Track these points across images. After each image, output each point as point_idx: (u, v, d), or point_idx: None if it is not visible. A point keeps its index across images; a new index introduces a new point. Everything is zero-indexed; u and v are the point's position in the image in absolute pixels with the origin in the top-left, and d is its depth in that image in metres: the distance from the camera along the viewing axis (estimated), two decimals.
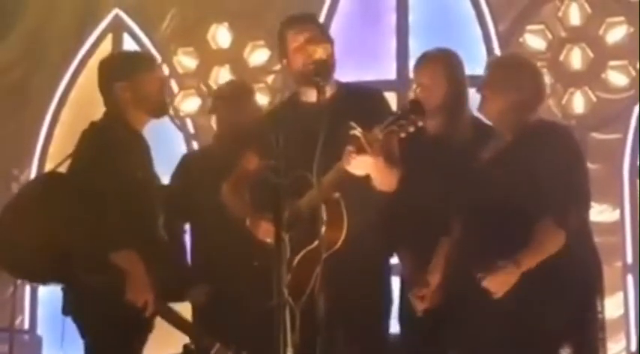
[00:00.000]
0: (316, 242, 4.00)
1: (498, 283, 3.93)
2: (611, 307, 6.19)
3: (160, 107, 4.70)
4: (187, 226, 5.33)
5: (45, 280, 4.92)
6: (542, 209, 3.97)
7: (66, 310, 4.55)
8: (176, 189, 5.16)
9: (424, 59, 4.68)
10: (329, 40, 4.48)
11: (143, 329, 4.53)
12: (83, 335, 4.51)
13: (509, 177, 4.05)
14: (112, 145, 4.47)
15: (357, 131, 4.05)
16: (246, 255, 4.71)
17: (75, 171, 4.55)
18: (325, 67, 4.35)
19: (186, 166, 5.36)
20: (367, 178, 4.22)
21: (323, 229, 4.06)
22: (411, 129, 4.01)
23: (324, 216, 4.09)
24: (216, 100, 5.49)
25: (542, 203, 3.98)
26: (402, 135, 4.07)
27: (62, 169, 4.77)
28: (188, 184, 5.20)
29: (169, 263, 4.68)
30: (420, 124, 4.01)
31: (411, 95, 4.86)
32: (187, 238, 5.35)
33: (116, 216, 4.35)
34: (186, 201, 5.13)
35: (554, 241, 3.95)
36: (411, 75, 7.00)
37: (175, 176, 5.34)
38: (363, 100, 4.42)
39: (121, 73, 4.61)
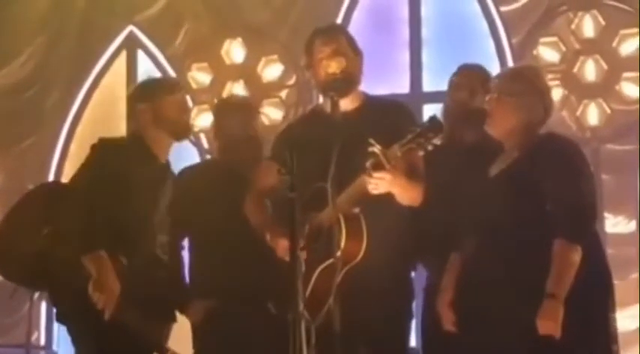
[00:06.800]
0: (338, 254, 4.01)
1: (550, 324, 3.90)
2: (627, 319, 6.17)
3: (182, 129, 4.75)
4: (185, 243, 5.22)
5: (33, 286, 5.00)
6: (550, 226, 3.97)
7: (59, 319, 4.63)
8: (177, 203, 5.12)
9: (464, 69, 4.80)
10: (354, 53, 4.47)
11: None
12: (73, 341, 4.58)
13: (515, 193, 4.05)
14: (117, 161, 4.53)
15: (376, 148, 4.05)
16: (251, 268, 4.73)
17: (73, 181, 4.63)
18: (337, 82, 4.36)
19: (186, 180, 5.23)
20: (388, 193, 4.21)
21: (342, 243, 4.07)
22: (429, 147, 4.00)
23: (344, 230, 4.10)
24: (226, 109, 5.41)
25: (550, 220, 3.98)
26: (421, 153, 4.07)
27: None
28: (190, 199, 5.09)
29: (166, 281, 4.70)
30: (439, 142, 3.99)
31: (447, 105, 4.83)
32: (185, 254, 5.23)
33: (94, 222, 4.38)
34: (188, 215, 5.08)
35: (573, 258, 3.94)
36: (426, 88, 7.26)
37: (179, 190, 5.11)
38: (387, 114, 4.42)
39: (143, 95, 4.74)
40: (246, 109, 5.36)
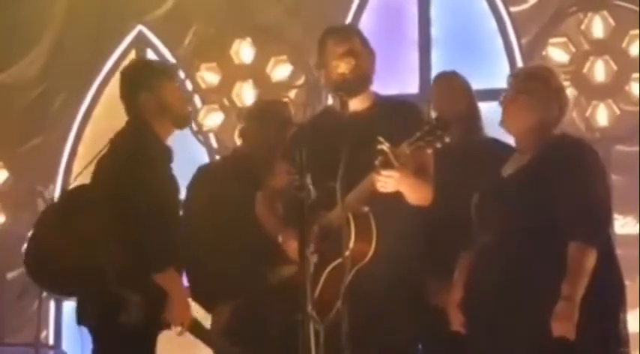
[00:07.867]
0: (346, 254, 4.01)
1: (566, 326, 3.89)
2: (631, 321, 6.10)
3: (184, 117, 4.66)
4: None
5: (74, 294, 4.91)
6: (563, 228, 3.96)
7: (81, 320, 4.56)
8: (199, 202, 5.10)
9: (443, 76, 5.02)
10: (366, 53, 4.47)
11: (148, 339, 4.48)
12: (94, 340, 4.50)
13: (529, 194, 4.05)
14: (141, 153, 4.40)
15: (385, 146, 4.06)
16: (270, 267, 4.73)
17: (106, 181, 4.43)
18: (346, 83, 4.36)
19: (206, 177, 5.25)
20: (398, 192, 4.22)
21: (351, 243, 4.07)
22: (438, 145, 4.03)
23: (353, 230, 4.10)
24: (265, 114, 5.37)
25: (563, 222, 3.98)
26: (429, 151, 4.08)
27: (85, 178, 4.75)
28: (211, 197, 5.10)
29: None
30: (447, 140, 4.02)
31: (433, 112, 4.91)
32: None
33: (154, 233, 4.24)
34: (211, 213, 5.07)
35: (589, 260, 3.94)
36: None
37: (195, 189, 5.19)
38: (398, 114, 4.43)
39: (145, 83, 4.55)
40: (284, 114, 5.35)
